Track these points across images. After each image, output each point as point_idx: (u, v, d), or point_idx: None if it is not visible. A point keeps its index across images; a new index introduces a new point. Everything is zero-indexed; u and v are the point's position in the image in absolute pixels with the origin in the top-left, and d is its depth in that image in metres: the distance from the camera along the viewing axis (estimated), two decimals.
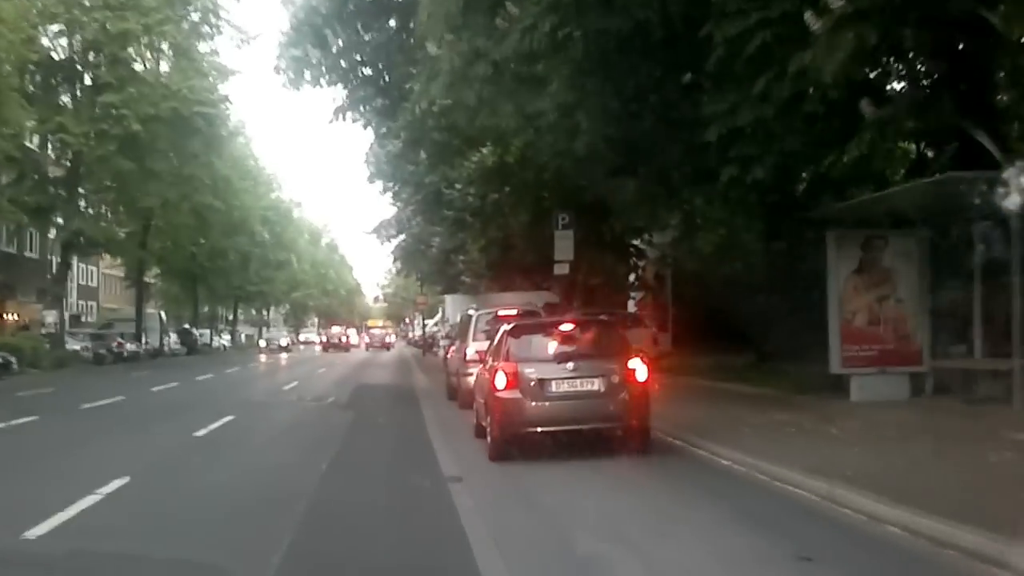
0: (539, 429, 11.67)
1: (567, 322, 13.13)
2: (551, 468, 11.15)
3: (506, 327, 13.08)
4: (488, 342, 16.65)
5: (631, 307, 29.22)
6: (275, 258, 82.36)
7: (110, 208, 48.50)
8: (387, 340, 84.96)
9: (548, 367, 11.69)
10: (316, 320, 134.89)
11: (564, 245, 22.73)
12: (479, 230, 29.25)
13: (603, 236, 25.33)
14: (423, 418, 17.87)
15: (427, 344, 56.06)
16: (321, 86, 25.64)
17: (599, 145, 16.94)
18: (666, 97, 16.62)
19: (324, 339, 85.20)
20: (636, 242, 27.50)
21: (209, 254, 65.14)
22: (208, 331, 77.71)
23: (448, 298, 36.69)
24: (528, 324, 14.10)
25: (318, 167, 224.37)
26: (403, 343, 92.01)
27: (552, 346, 12.19)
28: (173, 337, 65.09)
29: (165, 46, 44.23)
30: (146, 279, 63.47)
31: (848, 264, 15.84)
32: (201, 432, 15.57)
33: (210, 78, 45.31)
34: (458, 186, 33.78)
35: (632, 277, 28.93)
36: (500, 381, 11.76)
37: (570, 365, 11.64)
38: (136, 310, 57.42)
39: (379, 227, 50.07)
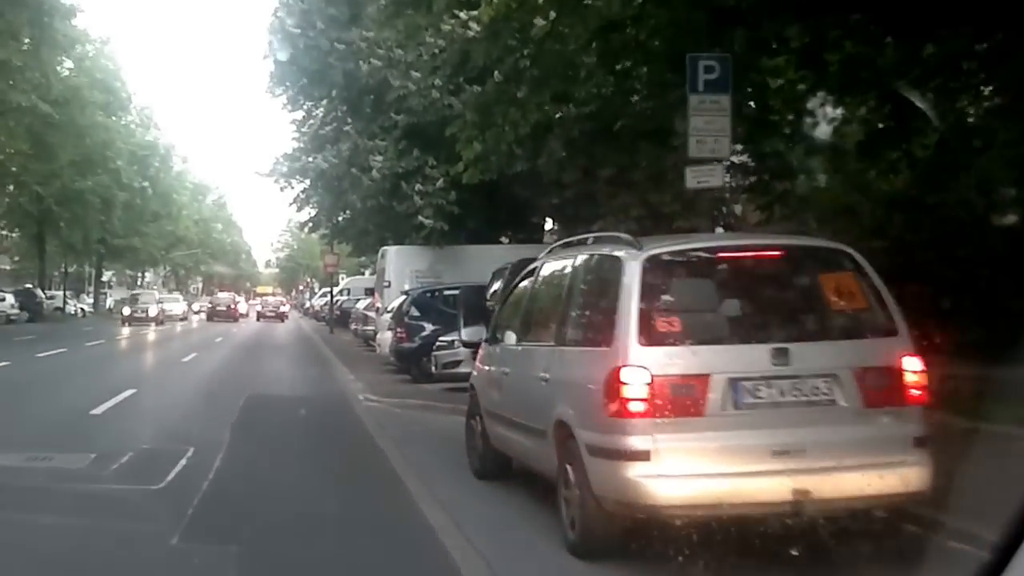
0: None
1: None
2: None
3: None
4: None
5: None
6: (150, 209, 69.15)
7: None
8: (282, 310, 72.77)
9: None
10: (200, 284, 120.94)
11: (712, 124, 10.24)
12: (475, 127, 16.11)
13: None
14: None
15: (336, 317, 43.54)
16: None
17: None
18: None
19: (209, 305, 71.68)
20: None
21: (61, 196, 51.57)
22: (61, 293, 63.41)
23: (392, 251, 24.28)
24: None
25: (208, 119, 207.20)
26: (297, 314, 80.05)
27: None
28: (9, 299, 51.16)
29: None
30: None
31: None
32: None
33: None
34: (416, 74, 21.77)
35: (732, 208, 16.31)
36: None
37: None
38: None
39: (280, 163, 35.48)
